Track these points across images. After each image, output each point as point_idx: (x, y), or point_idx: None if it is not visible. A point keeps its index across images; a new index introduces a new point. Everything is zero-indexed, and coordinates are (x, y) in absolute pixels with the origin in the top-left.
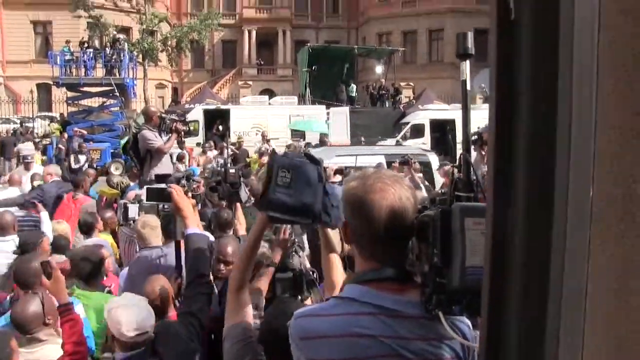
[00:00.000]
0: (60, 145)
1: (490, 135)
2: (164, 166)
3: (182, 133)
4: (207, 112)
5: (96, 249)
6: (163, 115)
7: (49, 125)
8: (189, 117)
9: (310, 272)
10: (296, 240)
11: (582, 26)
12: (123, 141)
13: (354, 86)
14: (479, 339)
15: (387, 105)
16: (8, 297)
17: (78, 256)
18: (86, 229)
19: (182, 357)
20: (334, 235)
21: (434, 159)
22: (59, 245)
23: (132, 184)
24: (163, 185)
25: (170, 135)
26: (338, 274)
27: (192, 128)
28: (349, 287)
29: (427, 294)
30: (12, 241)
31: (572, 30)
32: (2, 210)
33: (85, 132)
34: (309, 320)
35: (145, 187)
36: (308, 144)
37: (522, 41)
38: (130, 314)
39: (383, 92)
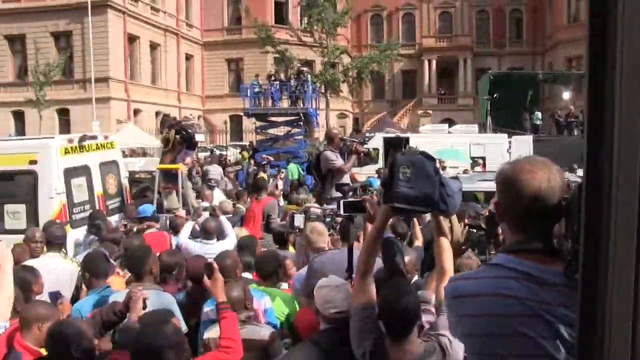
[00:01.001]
0: (249, 171)
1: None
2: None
3: (362, 154)
4: (386, 140)
5: (279, 257)
6: (344, 137)
7: (240, 153)
8: (369, 145)
9: None
10: None
11: None
12: (290, 166)
13: (538, 114)
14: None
15: (575, 134)
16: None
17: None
18: (279, 239)
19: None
20: (444, 223)
21: None
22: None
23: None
24: (358, 199)
25: (350, 156)
26: (448, 257)
27: (372, 155)
28: (497, 256)
29: (568, 260)
30: (214, 245)
31: None
32: (207, 218)
33: (272, 158)
34: (461, 283)
35: (341, 201)
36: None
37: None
38: (334, 294)
39: (571, 119)
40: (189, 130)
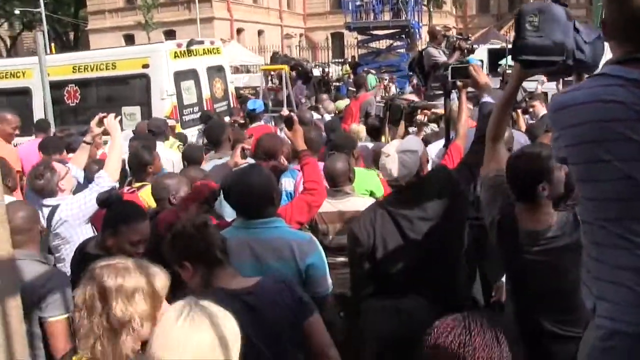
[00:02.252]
0: (350, 88)
1: None
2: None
3: (465, 51)
4: (491, 52)
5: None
6: (447, 34)
7: (341, 69)
8: (473, 56)
9: None
10: None
11: None
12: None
13: None
14: None
15: None
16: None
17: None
18: (371, 130)
19: (444, 192)
20: None
21: None
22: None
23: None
24: (465, 64)
25: (454, 52)
26: None
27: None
28: (603, 67)
29: None
30: None
31: None
32: (303, 109)
33: (373, 71)
34: (565, 95)
35: (450, 67)
36: None
37: None
38: (386, 162)
39: None
40: (305, 65)
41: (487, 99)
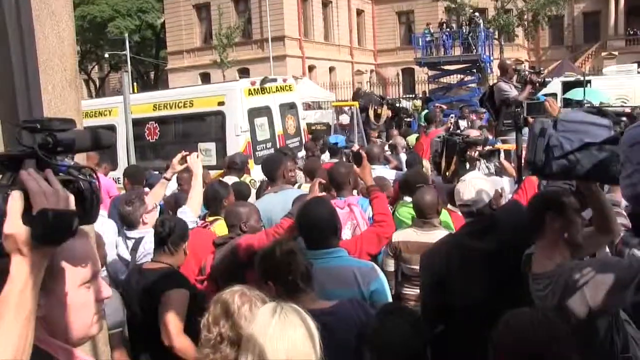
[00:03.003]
0: (420, 123)
1: None
2: None
3: (537, 85)
4: (565, 84)
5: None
6: (518, 67)
7: (411, 105)
8: (547, 90)
9: None
10: None
11: None
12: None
13: None
14: None
15: None
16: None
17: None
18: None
19: (517, 226)
20: None
21: None
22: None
23: (490, 137)
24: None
25: (525, 86)
26: None
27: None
28: None
29: None
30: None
31: None
32: (372, 144)
33: (444, 107)
34: (638, 129)
35: (526, 103)
36: None
37: None
38: (462, 188)
39: None
40: (398, 106)
41: None
